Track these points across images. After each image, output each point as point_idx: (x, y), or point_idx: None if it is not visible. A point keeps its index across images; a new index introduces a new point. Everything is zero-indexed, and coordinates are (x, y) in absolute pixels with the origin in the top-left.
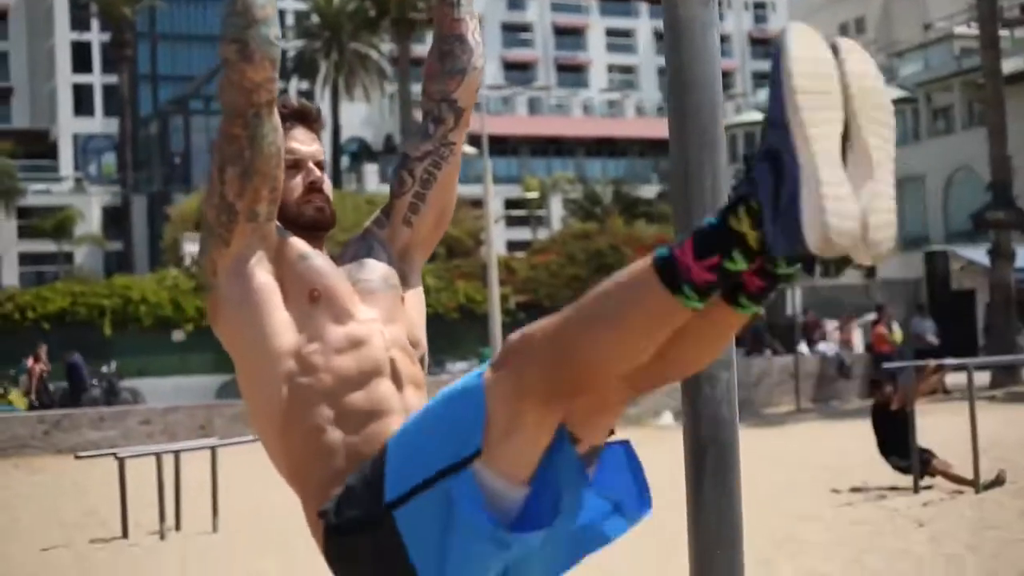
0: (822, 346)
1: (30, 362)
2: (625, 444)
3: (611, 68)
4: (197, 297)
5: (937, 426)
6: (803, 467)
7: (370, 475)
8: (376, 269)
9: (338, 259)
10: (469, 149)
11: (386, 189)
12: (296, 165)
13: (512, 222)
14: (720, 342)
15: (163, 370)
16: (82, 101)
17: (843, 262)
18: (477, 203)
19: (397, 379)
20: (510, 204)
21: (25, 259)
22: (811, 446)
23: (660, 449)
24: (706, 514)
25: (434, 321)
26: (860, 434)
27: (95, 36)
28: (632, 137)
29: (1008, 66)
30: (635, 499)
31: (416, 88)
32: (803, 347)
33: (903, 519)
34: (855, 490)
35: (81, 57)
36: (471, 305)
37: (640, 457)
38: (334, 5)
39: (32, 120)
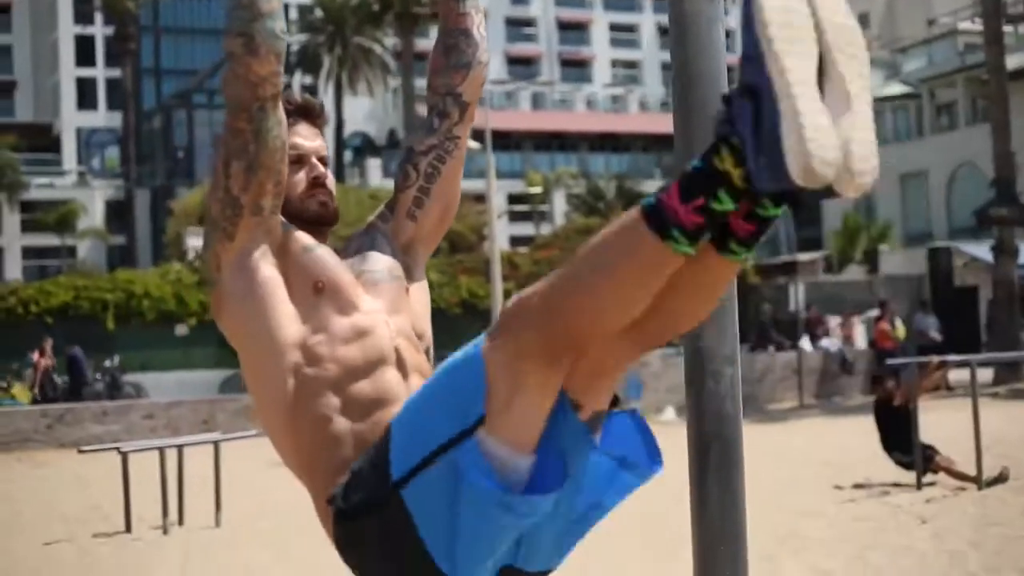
0: (825, 342)
1: (35, 356)
2: (632, 412)
3: (615, 63)
4: (200, 292)
5: (940, 423)
6: (806, 463)
7: (375, 457)
8: (380, 261)
9: (342, 253)
10: (472, 144)
11: (389, 184)
12: (299, 160)
13: (515, 217)
14: (715, 293)
15: (166, 364)
16: (85, 95)
17: (827, 194)
18: (480, 198)
19: (403, 367)
20: (513, 199)
21: (28, 253)
22: (814, 442)
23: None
24: (710, 510)
25: (437, 316)
26: (863, 430)
27: (99, 30)
28: (635, 132)
29: (1012, 62)
30: (644, 457)
31: (419, 83)
32: (806, 343)
33: (906, 515)
34: (858, 486)
35: (84, 51)
36: (474, 300)
37: None
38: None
39: (35, 114)
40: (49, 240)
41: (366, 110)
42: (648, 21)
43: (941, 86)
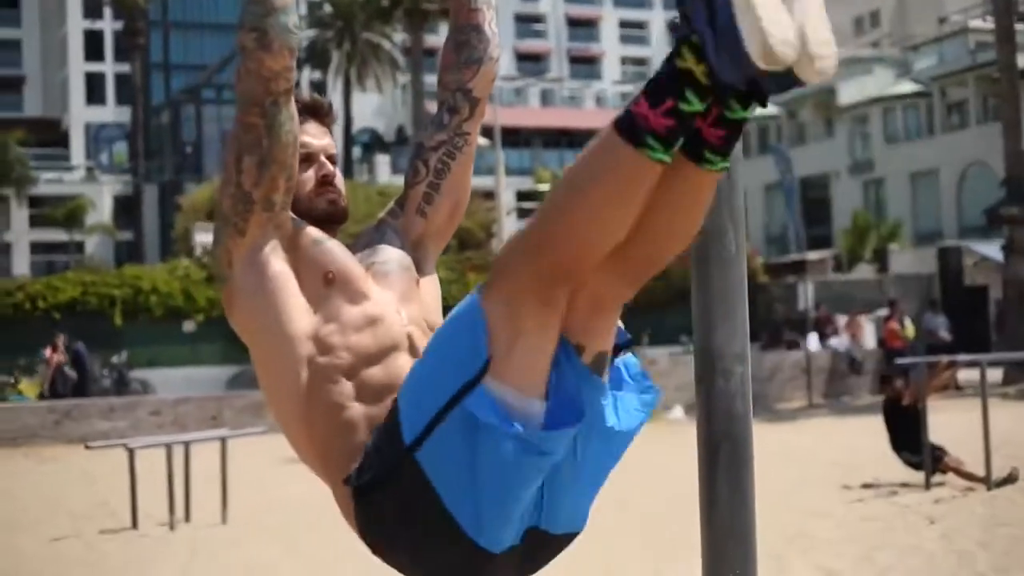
0: (834, 341)
1: (48, 352)
2: (625, 341)
3: (624, 60)
4: (208, 288)
5: (949, 423)
6: (814, 463)
7: (386, 430)
8: (390, 253)
9: (352, 248)
10: (481, 140)
11: (398, 180)
12: (308, 159)
13: (524, 214)
14: (697, 207)
15: (174, 361)
16: (94, 90)
17: (791, 82)
18: (489, 195)
19: (415, 354)
20: (522, 196)
21: (36, 248)
22: (822, 442)
23: (671, 443)
24: (719, 509)
25: (446, 313)
26: (871, 430)
27: (108, 24)
28: None
29: None
30: (640, 387)
31: (428, 79)
32: (812, 342)
33: (914, 516)
34: (866, 486)
35: (93, 45)
36: None
37: (651, 452)
38: None
39: (44, 109)
40: (57, 235)
41: (375, 106)
42: (658, 18)
43: (952, 84)
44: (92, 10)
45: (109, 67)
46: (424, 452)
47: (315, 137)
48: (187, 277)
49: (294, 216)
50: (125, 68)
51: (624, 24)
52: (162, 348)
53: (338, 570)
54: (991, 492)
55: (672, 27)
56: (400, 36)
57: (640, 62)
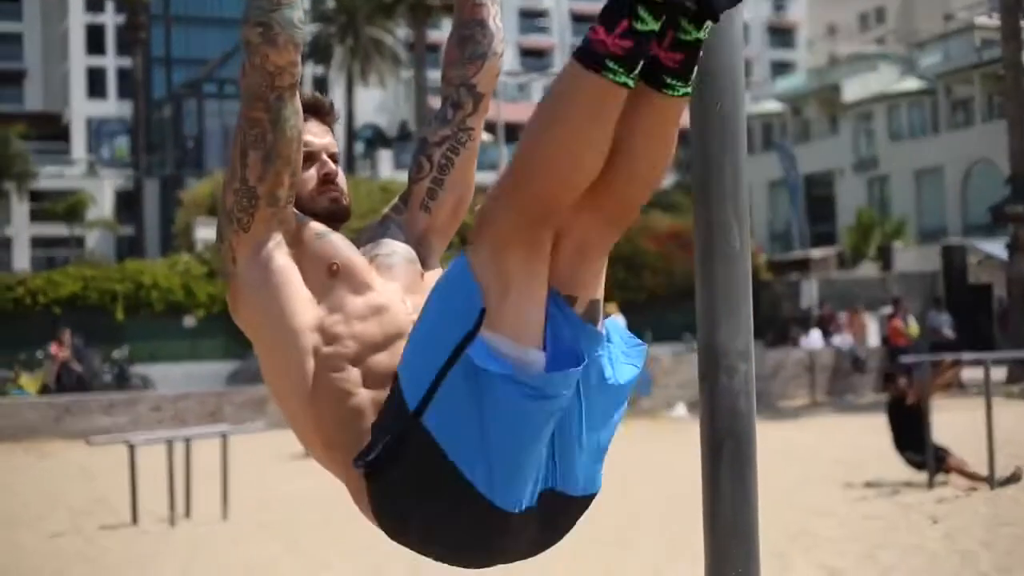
0: (837, 339)
1: (53, 347)
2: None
3: None
4: (209, 283)
5: (952, 422)
6: (817, 461)
7: (389, 404)
8: (394, 245)
9: (356, 243)
10: (485, 136)
11: (400, 176)
12: (310, 157)
13: None
14: (667, 135)
15: (174, 356)
16: (95, 84)
17: None
18: None
19: None
20: None
21: (37, 243)
22: (825, 440)
23: (673, 441)
24: (722, 507)
25: None
26: (874, 429)
27: (109, 18)
28: None
29: None
30: (629, 345)
31: (431, 74)
32: (812, 339)
33: (917, 515)
34: (869, 485)
35: (95, 40)
36: None
37: (653, 450)
38: None
39: (45, 103)
40: (58, 230)
41: (377, 102)
42: None
43: (957, 82)
44: (94, 4)
45: (110, 61)
46: (429, 415)
47: (317, 136)
48: (188, 272)
49: (296, 211)
50: (126, 62)
51: None
52: (162, 343)
53: (339, 567)
54: (994, 491)
55: None
56: (403, 31)
57: None
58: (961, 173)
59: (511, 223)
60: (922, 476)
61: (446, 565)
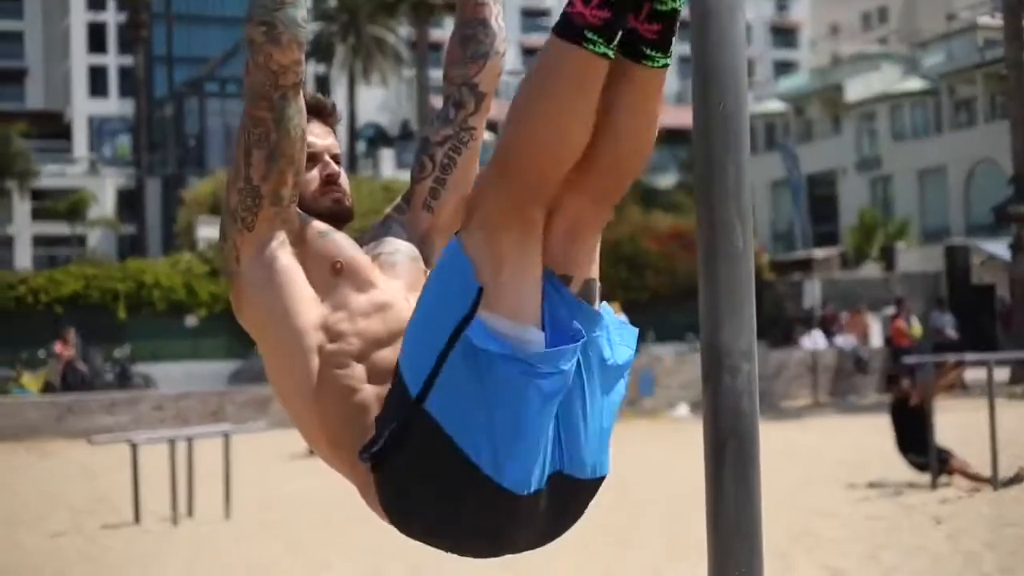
0: (840, 340)
1: (58, 346)
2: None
3: None
4: (211, 282)
5: (955, 423)
6: (820, 461)
7: (392, 395)
8: (397, 244)
9: (359, 243)
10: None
11: (402, 175)
12: (312, 158)
13: None
14: (650, 106)
15: (176, 355)
16: (97, 82)
17: None
18: None
19: None
20: None
21: (38, 241)
22: (828, 440)
23: (675, 441)
24: (725, 507)
25: None
26: (877, 429)
27: (111, 17)
28: None
29: None
30: (623, 329)
31: (433, 73)
32: (812, 340)
33: (920, 515)
34: (871, 485)
35: (96, 38)
36: None
37: (654, 450)
38: None
39: (47, 101)
40: (59, 229)
41: (379, 101)
42: None
43: (960, 82)
44: (95, 2)
45: (112, 59)
46: (432, 400)
47: (319, 137)
48: (190, 271)
49: (300, 211)
50: (128, 60)
51: None
52: (164, 342)
53: (340, 567)
54: (997, 492)
55: None
56: (405, 30)
57: None
58: (964, 173)
59: (501, 203)
60: (925, 477)
61: (451, 565)
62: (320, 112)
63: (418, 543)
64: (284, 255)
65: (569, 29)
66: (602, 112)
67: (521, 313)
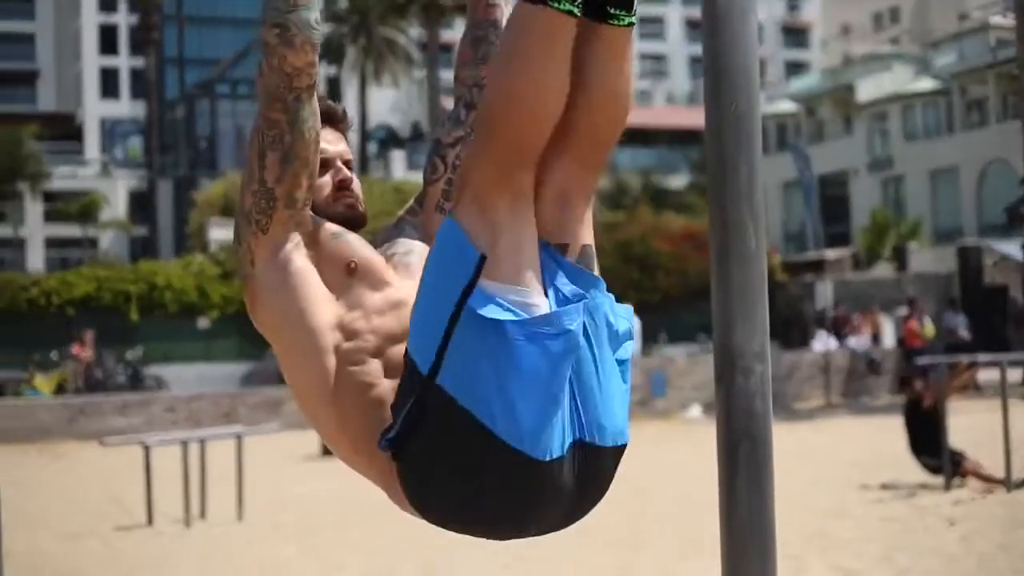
0: (852, 341)
1: (76, 348)
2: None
3: (641, 56)
4: (223, 284)
5: (969, 424)
6: (833, 463)
7: (403, 380)
8: (411, 244)
9: (372, 245)
10: None
11: (413, 176)
12: (325, 164)
13: None
14: (620, 64)
15: (188, 357)
16: (108, 84)
17: None
18: None
19: None
20: None
21: (50, 243)
22: (841, 441)
23: (688, 443)
24: (739, 508)
25: None
26: (890, 430)
27: (122, 18)
28: (662, 126)
29: None
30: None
31: (444, 75)
32: (823, 341)
33: (933, 517)
34: (885, 487)
35: (108, 39)
36: None
37: (667, 451)
38: None
39: (58, 103)
40: (71, 231)
41: (390, 102)
42: (675, 14)
43: (972, 82)
44: (106, 4)
45: (124, 61)
46: (443, 375)
47: (331, 143)
48: (202, 273)
49: (312, 214)
50: (139, 62)
51: (641, 20)
52: (176, 344)
53: (353, 568)
54: (1011, 494)
55: None
56: (416, 31)
57: (657, 58)
58: (976, 173)
59: (488, 174)
60: (938, 479)
61: (465, 565)
62: (331, 118)
63: (428, 544)
64: (298, 257)
65: None
66: (575, 76)
67: (522, 279)
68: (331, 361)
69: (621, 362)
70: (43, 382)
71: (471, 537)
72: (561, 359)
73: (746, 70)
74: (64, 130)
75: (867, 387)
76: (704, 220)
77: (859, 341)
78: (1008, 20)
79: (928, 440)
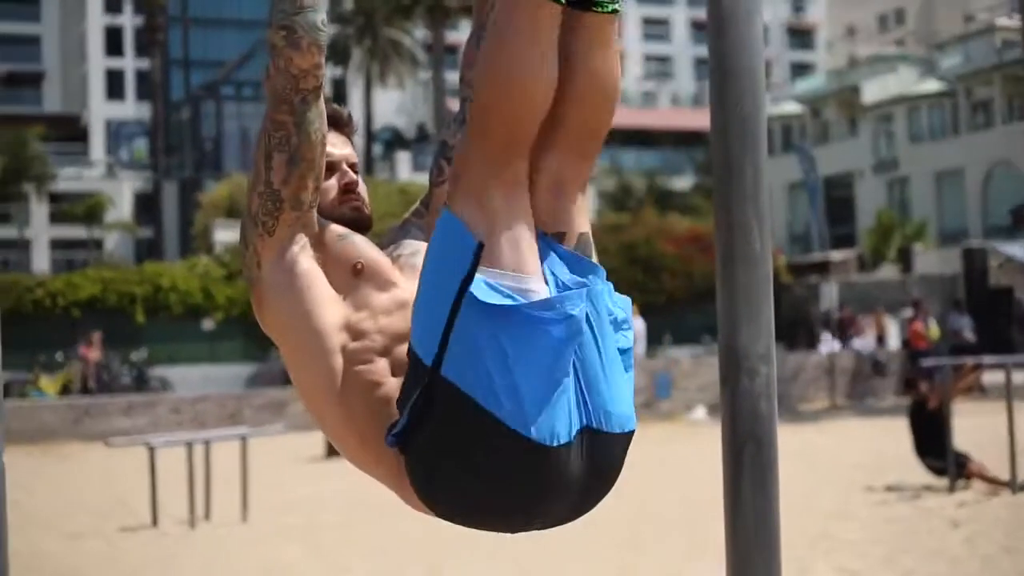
0: (858, 343)
1: (83, 349)
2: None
3: (647, 58)
4: (228, 285)
5: (974, 426)
6: (837, 464)
7: (407, 375)
8: (417, 246)
9: (378, 246)
10: None
11: (418, 177)
12: (330, 168)
13: None
14: (606, 51)
15: (193, 358)
16: (114, 86)
17: None
18: None
19: None
20: None
21: (56, 245)
22: (845, 443)
23: (692, 444)
24: (744, 510)
25: None
26: (895, 432)
27: (128, 20)
28: (667, 128)
29: None
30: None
31: (450, 76)
32: (828, 345)
33: (938, 519)
34: (889, 489)
35: (113, 41)
36: None
37: (670, 452)
38: None
39: (64, 105)
40: (77, 232)
41: (396, 103)
42: (680, 15)
43: (978, 83)
44: (112, 5)
45: (129, 63)
46: (447, 364)
47: (336, 147)
48: (207, 275)
49: (320, 217)
50: (145, 64)
51: (647, 21)
52: (181, 346)
53: (359, 569)
54: (1016, 496)
55: None
56: (421, 33)
57: (663, 59)
58: (982, 175)
59: (481, 165)
60: (943, 481)
61: (471, 566)
62: (336, 122)
63: (435, 545)
64: (305, 259)
65: None
66: (563, 65)
67: (521, 266)
68: (338, 361)
69: (623, 350)
70: (48, 383)
71: (481, 532)
72: (564, 344)
73: (752, 72)
74: (69, 131)
75: (872, 389)
76: (709, 222)
77: (864, 343)
78: (1014, 21)
79: (933, 442)
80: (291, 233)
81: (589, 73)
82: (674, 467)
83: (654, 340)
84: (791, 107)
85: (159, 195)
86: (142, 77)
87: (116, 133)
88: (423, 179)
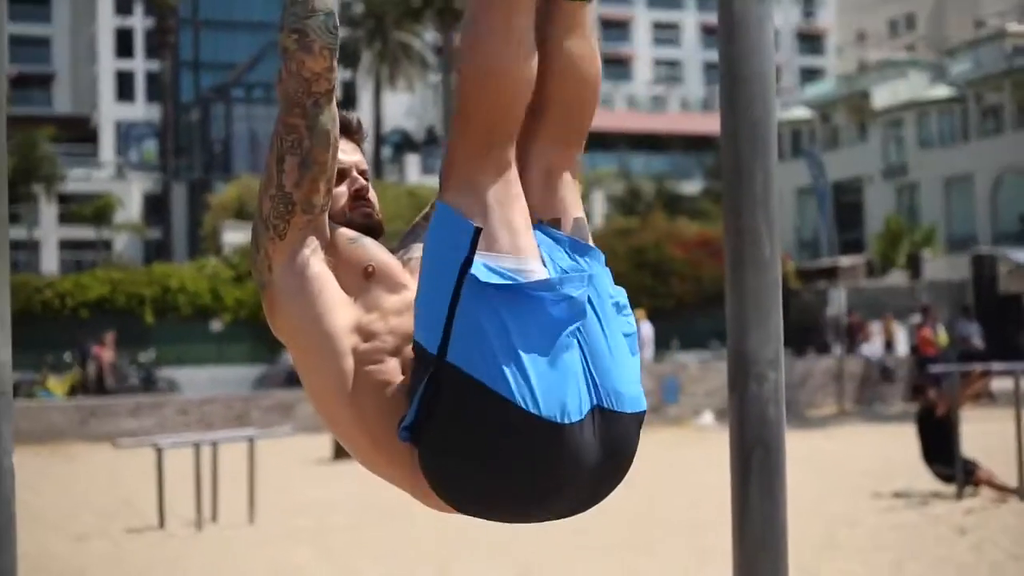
0: (866, 349)
1: (96, 349)
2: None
3: (656, 62)
4: (236, 287)
5: (982, 433)
6: (845, 471)
7: (414, 369)
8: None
9: (388, 249)
10: None
11: (428, 180)
12: (341, 174)
13: None
14: (583, 38)
15: (201, 359)
16: (124, 87)
17: None
18: None
19: None
20: None
21: (65, 245)
22: (853, 449)
23: (700, 449)
24: (751, 516)
25: None
26: (903, 438)
27: (138, 22)
28: (676, 132)
29: None
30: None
31: None
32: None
33: (945, 526)
34: (897, 495)
35: (124, 43)
36: None
37: (678, 457)
38: None
39: (74, 106)
40: (86, 233)
41: (405, 106)
42: (690, 20)
43: (988, 89)
44: (123, 7)
45: (139, 65)
46: (452, 351)
47: (347, 153)
48: (215, 276)
49: (331, 221)
50: (155, 66)
51: (657, 26)
52: (189, 347)
53: (368, 571)
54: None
55: None
56: (431, 35)
57: (672, 64)
58: (991, 181)
59: (469, 153)
60: (951, 487)
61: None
62: (346, 129)
63: (444, 548)
64: (316, 262)
65: None
66: (542, 55)
67: (519, 248)
68: (349, 363)
69: (627, 334)
70: (56, 384)
71: (490, 533)
72: (566, 323)
73: (762, 77)
74: (79, 133)
75: (880, 395)
76: (718, 226)
77: (872, 349)
78: None
79: (941, 448)
80: (302, 236)
81: (566, 58)
82: (681, 472)
83: (662, 345)
84: (801, 112)
85: (168, 196)
86: (152, 79)
87: (126, 134)
88: (432, 182)
